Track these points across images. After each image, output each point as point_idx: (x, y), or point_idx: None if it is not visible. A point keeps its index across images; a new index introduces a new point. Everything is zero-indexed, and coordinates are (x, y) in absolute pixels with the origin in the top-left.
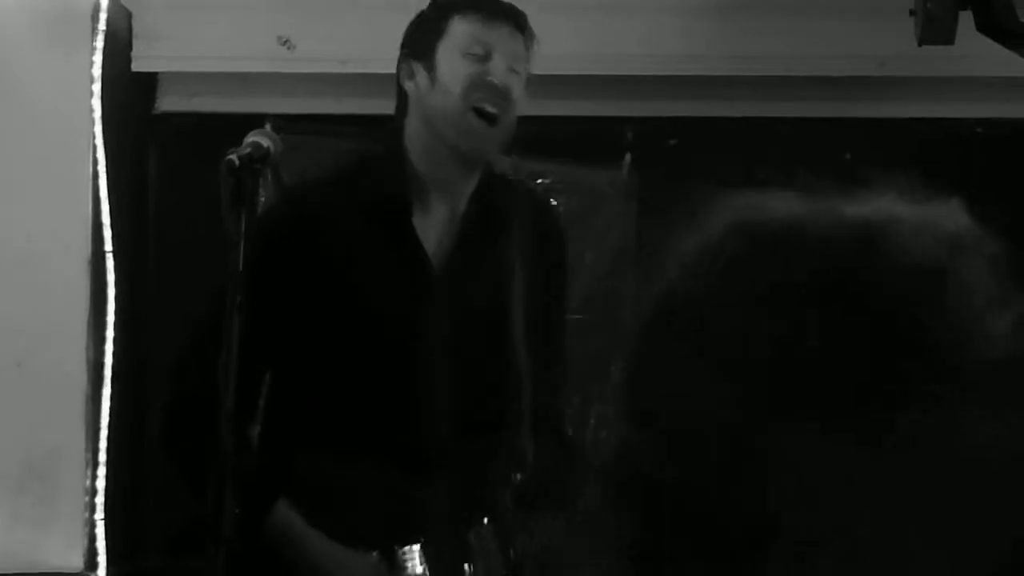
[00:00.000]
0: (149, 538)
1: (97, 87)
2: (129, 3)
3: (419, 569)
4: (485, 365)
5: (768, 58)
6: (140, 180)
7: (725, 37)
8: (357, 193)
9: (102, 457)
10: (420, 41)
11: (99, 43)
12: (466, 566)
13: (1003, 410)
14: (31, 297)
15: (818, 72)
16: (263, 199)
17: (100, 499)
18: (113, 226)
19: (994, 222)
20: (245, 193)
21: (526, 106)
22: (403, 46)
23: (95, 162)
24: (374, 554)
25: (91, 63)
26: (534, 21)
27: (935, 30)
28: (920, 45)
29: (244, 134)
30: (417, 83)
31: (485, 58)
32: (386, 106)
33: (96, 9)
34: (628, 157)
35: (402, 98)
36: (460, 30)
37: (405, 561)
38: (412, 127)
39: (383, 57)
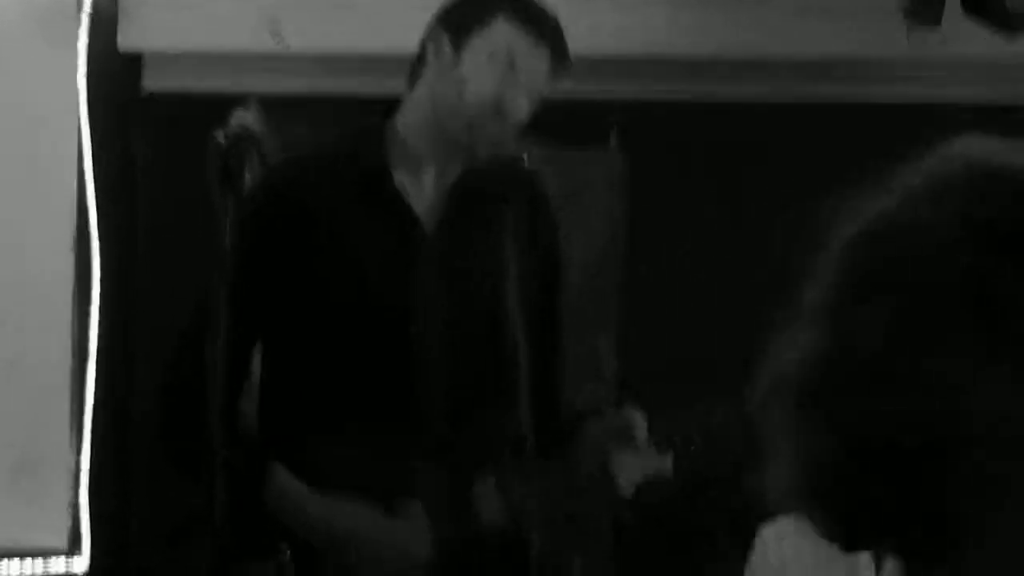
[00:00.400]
0: (133, 521)
1: (83, 67)
2: None
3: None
4: (480, 327)
5: (755, 41)
6: (126, 161)
7: (712, 19)
8: (341, 162)
9: (86, 439)
10: (459, 20)
11: (85, 23)
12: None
13: None
14: (14, 280)
15: (805, 56)
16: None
17: (84, 481)
18: (99, 207)
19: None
20: (232, 173)
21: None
22: (440, 16)
23: (80, 142)
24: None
25: (77, 43)
26: None
27: (921, 12)
28: (907, 28)
29: (230, 114)
30: (439, 58)
31: (511, 72)
32: (372, 85)
33: None
34: (615, 138)
35: (419, 64)
36: (501, 34)
37: (408, 517)
38: (418, 94)
39: (369, 37)
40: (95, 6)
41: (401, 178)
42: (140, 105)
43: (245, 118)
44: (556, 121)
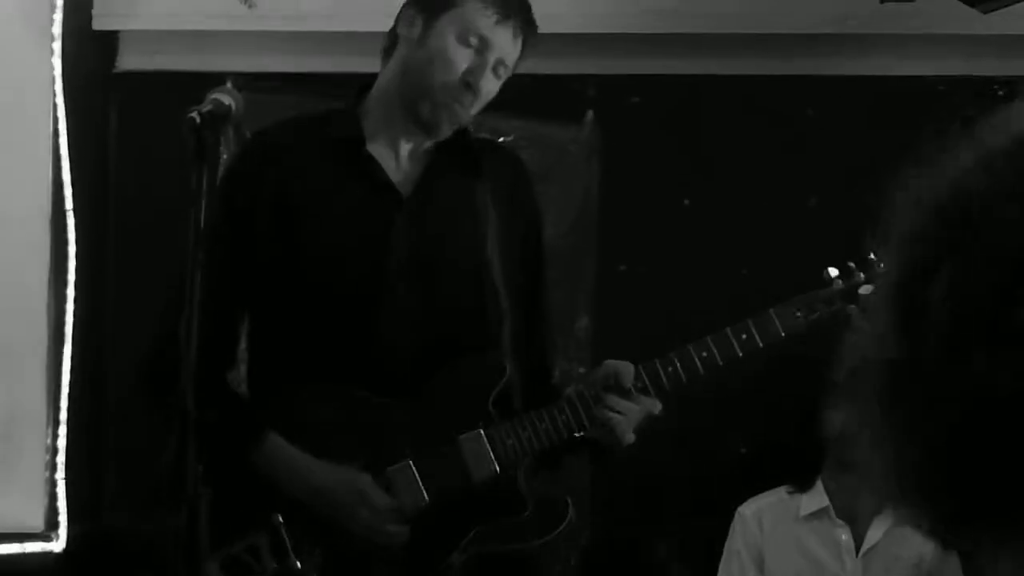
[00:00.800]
0: (109, 497)
1: (58, 45)
2: None
3: (415, 482)
4: (461, 288)
5: (730, 16)
6: (101, 139)
7: None
8: (316, 134)
9: (63, 416)
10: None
11: (59, 1)
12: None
13: None
14: None
15: (779, 29)
16: (224, 157)
17: (61, 459)
18: (74, 184)
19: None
20: (207, 151)
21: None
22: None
23: (56, 120)
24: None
25: (51, 21)
26: None
27: None
28: (882, 2)
29: (205, 92)
30: (411, 33)
31: (478, 51)
32: (347, 63)
33: None
34: (590, 114)
35: (392, 40)
36: (468, 15)
37: (398, 476)
38: (389, 69)
39: (343, 14)
40: None
41: (376, 149)
42: (115, 83)
43: (221, 96)
44: (532, 96)
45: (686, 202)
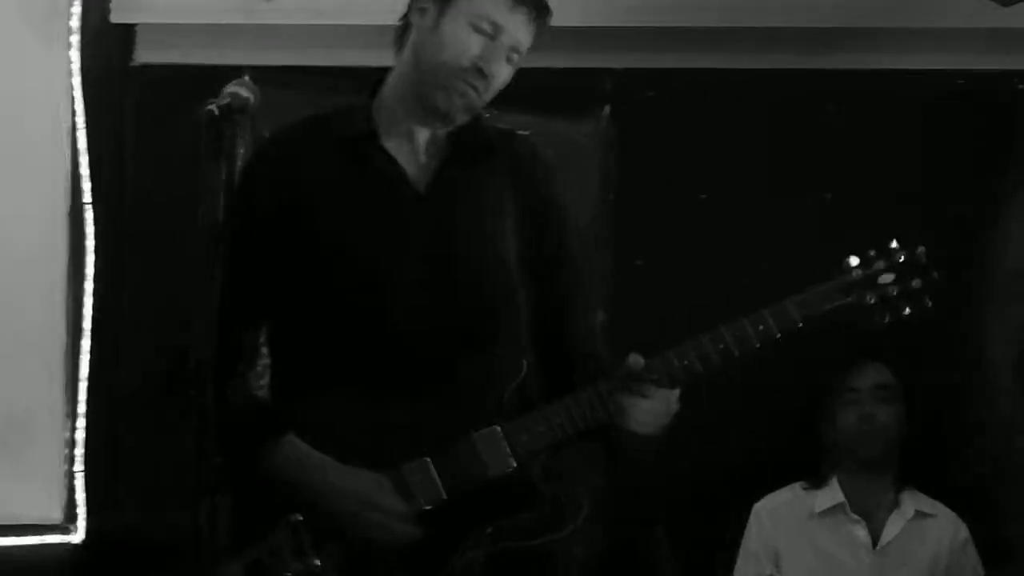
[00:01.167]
0: (127, 490)
1: (76, 39)
2: None
3: (433, 480)
4: (479, 284)
5: (747, 9)
6: (118, 132)
7: None
8: (331, 131)
9: (81, 410)
10: None
11: None
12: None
13: None
14: (9, 249)
15: (797, 23)
16: (241, 150)
17: (79, 452)
18: (92, 178)
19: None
20: (224, 144)
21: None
22: None
23: (74, 114)
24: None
25: (69, 15)
26: None
27: None
28: None
29: (222, 86)
30: (423, 20)
31: (491, 37)
32: (362, 57)
33: None
34: (607, 108)
35: (405, 28)
36: (481, 1)
37: (416, 475)
38: (402, 60)
39: (359, 8)
40: None
41: (390, 142)
42: (133, 77)
43: (238, 89)
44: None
45: (703, 196)
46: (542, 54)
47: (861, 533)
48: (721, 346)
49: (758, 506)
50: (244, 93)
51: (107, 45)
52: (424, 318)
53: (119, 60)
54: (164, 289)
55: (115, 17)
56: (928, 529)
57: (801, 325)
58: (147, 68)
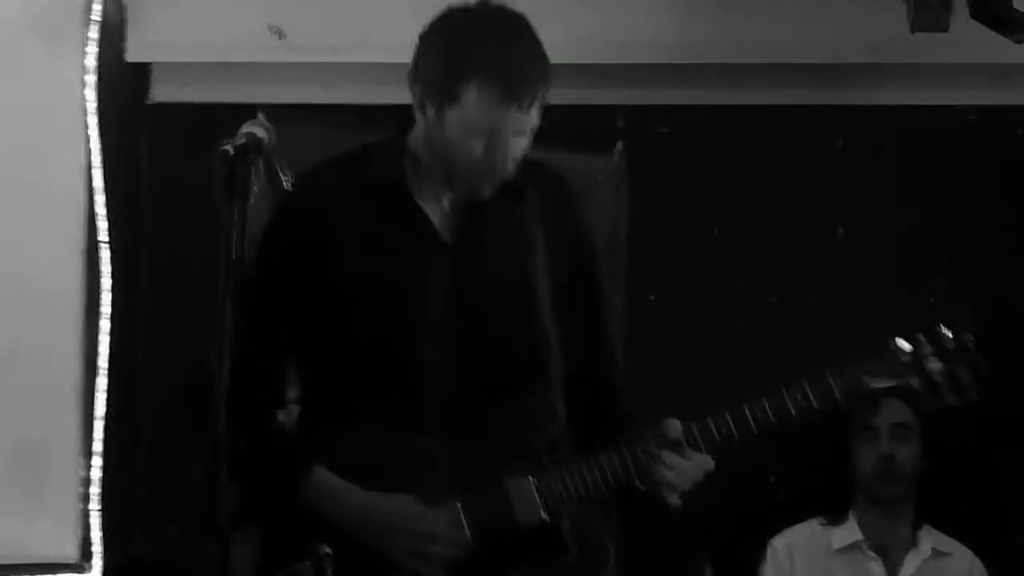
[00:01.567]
0: (142, 528)
1: (91, 78)
2: None
3: (460, 522)
4: (509, 331)
5: (758, 45)
6: (134, 170)
7: (716, 25)
8: (359, 177)
9: (97, 448)
10: (433, 86)
11: (93, 34)
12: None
13: None
14: (25, 287)
15: (809, 59)
16: (256, 189)
17: (95, 490)
18: (108, 217)
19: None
20: (239, 183)
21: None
22: (415, 75)
23: (89, 152)
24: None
25: (85, 54)
26: (525, 6)
27: (928, 17)
28: (913, 32)
29: (237, 124)
30: (427, 119)
31: (491, 138)
32: (377, 94)
33: (90, 0)
34: (620, 144)
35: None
36: (469, 113)
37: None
38: (418, 133)
39: (373, 45)
40: (103, 17)
41: (418, 190)
42: (148, 115)
43: (254, 128)
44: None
45: (715, 231)
46: (555, 90)
47: (878, 571)
48: (759, 415)
49: (774, 541)
50: (259, 133)
51: (123, 84)
52: (452, 368)
53: (135, 99)
54: (179, 327)
55: (131, 56)
56: (945, 567)
57: (840, 398)
58: (162, 107)
